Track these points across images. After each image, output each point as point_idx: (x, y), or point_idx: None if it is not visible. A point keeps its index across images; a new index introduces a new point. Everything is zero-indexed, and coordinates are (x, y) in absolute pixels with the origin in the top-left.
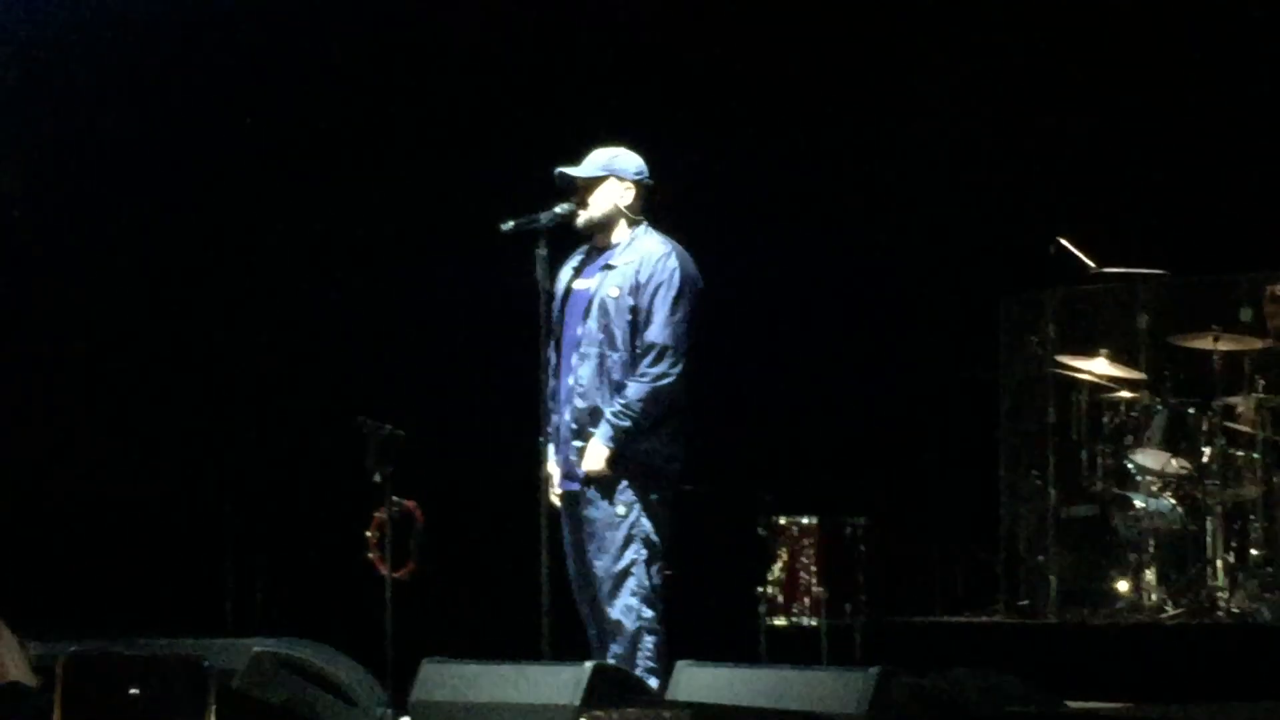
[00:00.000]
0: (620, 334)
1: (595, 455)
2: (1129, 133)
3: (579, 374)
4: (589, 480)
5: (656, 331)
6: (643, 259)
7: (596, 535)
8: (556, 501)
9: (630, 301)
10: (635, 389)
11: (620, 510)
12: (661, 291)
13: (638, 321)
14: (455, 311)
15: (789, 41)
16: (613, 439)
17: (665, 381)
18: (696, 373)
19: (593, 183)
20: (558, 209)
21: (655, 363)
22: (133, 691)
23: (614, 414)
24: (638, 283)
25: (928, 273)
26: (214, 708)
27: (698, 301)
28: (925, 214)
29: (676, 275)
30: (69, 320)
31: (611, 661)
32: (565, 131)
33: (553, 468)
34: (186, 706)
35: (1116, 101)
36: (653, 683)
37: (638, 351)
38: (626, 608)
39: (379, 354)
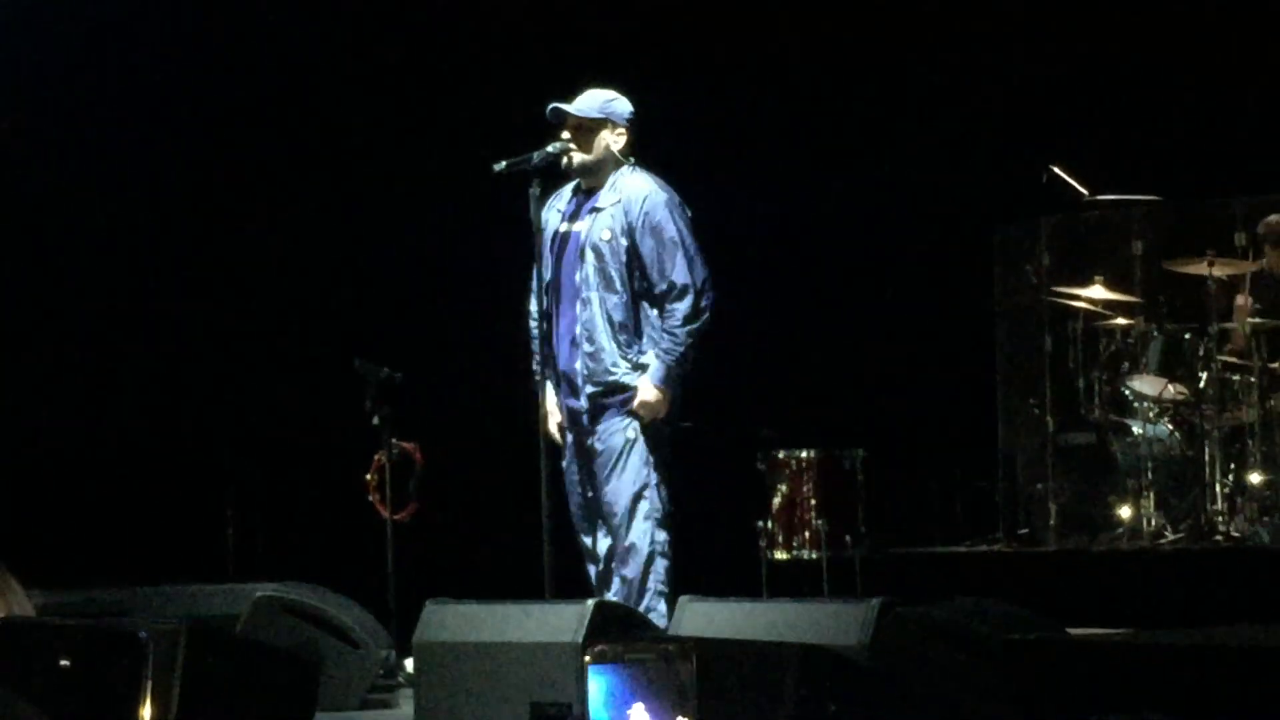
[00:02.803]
0: (618, 275)
1: (651, 396)
2: (1120, 58)
3: (582, 320)
4: (596, 401)
5: (679, 272)
6: (629, 198)
7: (610, 460)
8: (556, 436)
9: (624, 242)
10: (683, 332)
11: (631, 434)
12: (663, 231)
13: (633, 262)
14: (451, 252)
15: None
16: (665, 380)
17: (705, 317)
18: None
19: (587, 124)
20: (550, 148)
21: (693, 303)
22: (64, 663)
23: (671, 362)
24: (629, 224)
25: (921, 203)
26: (150, 682)
27: (693, 230)
28: (918, 144)
29: (672, 211)
30: (67, 264)
31: (613, 598)
32: (556, 70)
33: (550, 405)
34: (121, 680)
35: (1108, 26)
36: (662, 608)
37: (660, 295)
38: (642, 531)
39: (375, 296)
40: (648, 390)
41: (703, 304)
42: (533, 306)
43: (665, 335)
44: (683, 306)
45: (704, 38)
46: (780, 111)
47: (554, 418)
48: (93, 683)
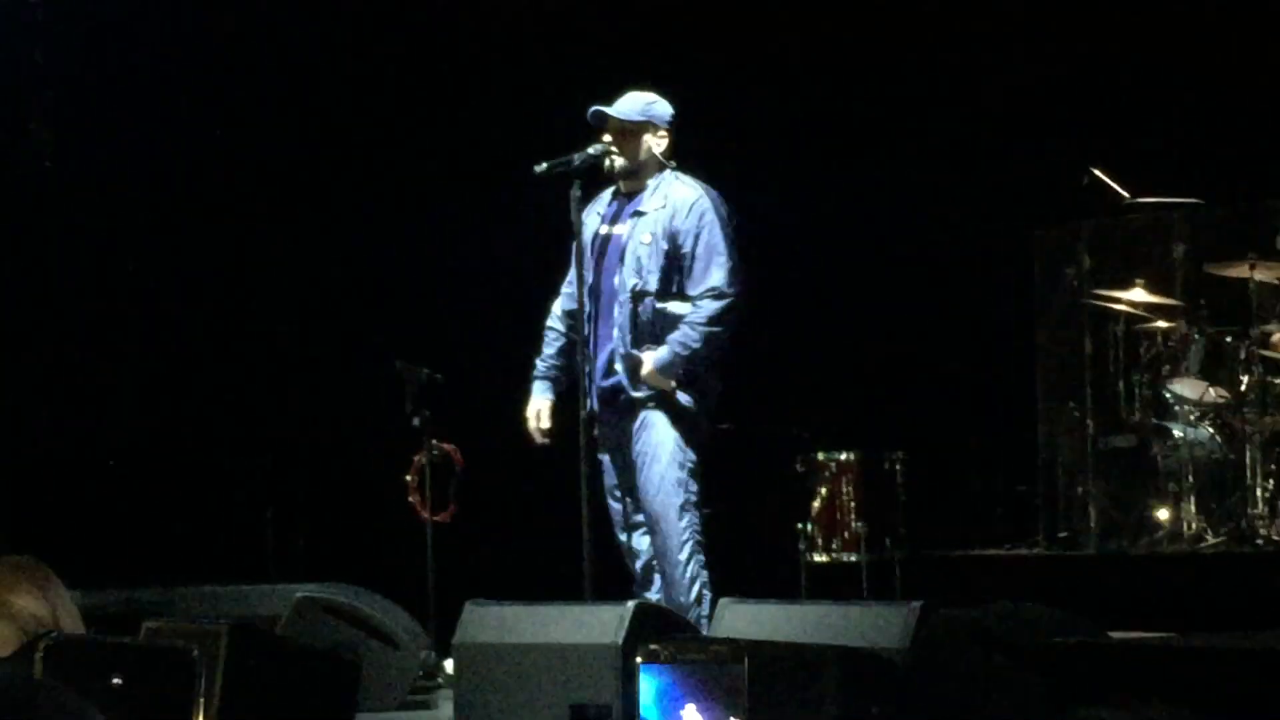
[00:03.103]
0: (654, 280)
1: (650, 372)
2: (1161, 61)
3: (618, 322)
4: (635, 397)
5: (719, 278)
6: (675, 205)
7: (647, 461)
8: (536, 436)
9: (665, 246)
10: (703, 331)
11: (667, 436)
12: (704, 238)
13: (672, 267)
14: (493, 254)
15: None
16: (666, 367)
17: (729, 324)
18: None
19: (629, 127)
20: (590, 150)
21: (723, 309)
22: (115, 681)
23: (680, 352)
24: (672, 229)
25: (962, 205)
26: (203, 701)
27: (736, 237)
28: (959, 147)
29: (718, 219)
30: (112, 264)
31: (654, 597)
32: (597, 74)
33: (541, 405)
34: (173, 700)
35: (1149, 29)
36: (704, 606)
37: (695, 296)
38: (680, 531)
39: (416, 297)
40: (646, 368)
41: (730, 314)
42: (557, 307)
43: (685, 327)
44: (711, 306)
45: (746, 40)
46: (823, 114)
47: (540, 418)
48: (145, 700)
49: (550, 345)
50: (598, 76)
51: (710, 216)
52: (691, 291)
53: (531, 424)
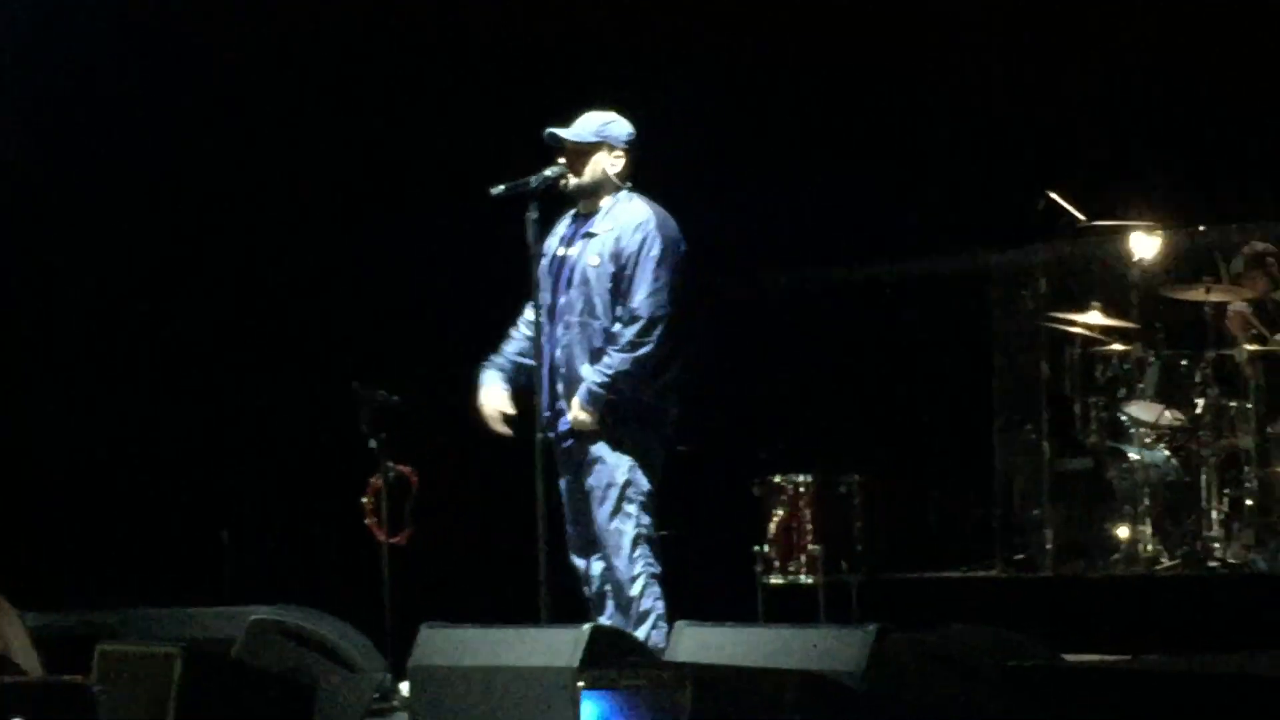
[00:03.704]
0: (601, 302)
1: (577, 416)
2: (1117, 85)
3: (562, 343)
4: (582, 431)
5: (639, 300)
6: (623, 226)
7: (598, 486)
8: (500, 429)
9: (611, 269)
10: (617, 358)
11: (617, 460)
12: (643, 259)
13: (619, 289)
14: (451, 276)
15: None
16: (591, 403)
17: (645, 349)
18: (689, 333)
19: (584, 147)
20: (547, 171)
21: (637, 333)
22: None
23: (596, 384)
24: (619, 249)
25: (919, 228)
26: None
27: (682, 265)
28: (915, 169)
29: (657, 242)
30: (61, 286)
31: (607, 622)
32: (555, 94)
33: (494, 394)
34: None
35: (1104, 53)
36: (659, 633)
37: (619, 318)
38: (633, 556)
39: (373, 319)
40: (574, 408)
41: (647, 338)
42: (528, 314)
43: (606, 354)
44: (628, 332)
45: (698, 59)
46: (782, 138)
47: (494, 400)
48: None
49: (510, 344)
50: (559, 97)
51: (652, 239)
52: (620, 314)
53: (486, 410)
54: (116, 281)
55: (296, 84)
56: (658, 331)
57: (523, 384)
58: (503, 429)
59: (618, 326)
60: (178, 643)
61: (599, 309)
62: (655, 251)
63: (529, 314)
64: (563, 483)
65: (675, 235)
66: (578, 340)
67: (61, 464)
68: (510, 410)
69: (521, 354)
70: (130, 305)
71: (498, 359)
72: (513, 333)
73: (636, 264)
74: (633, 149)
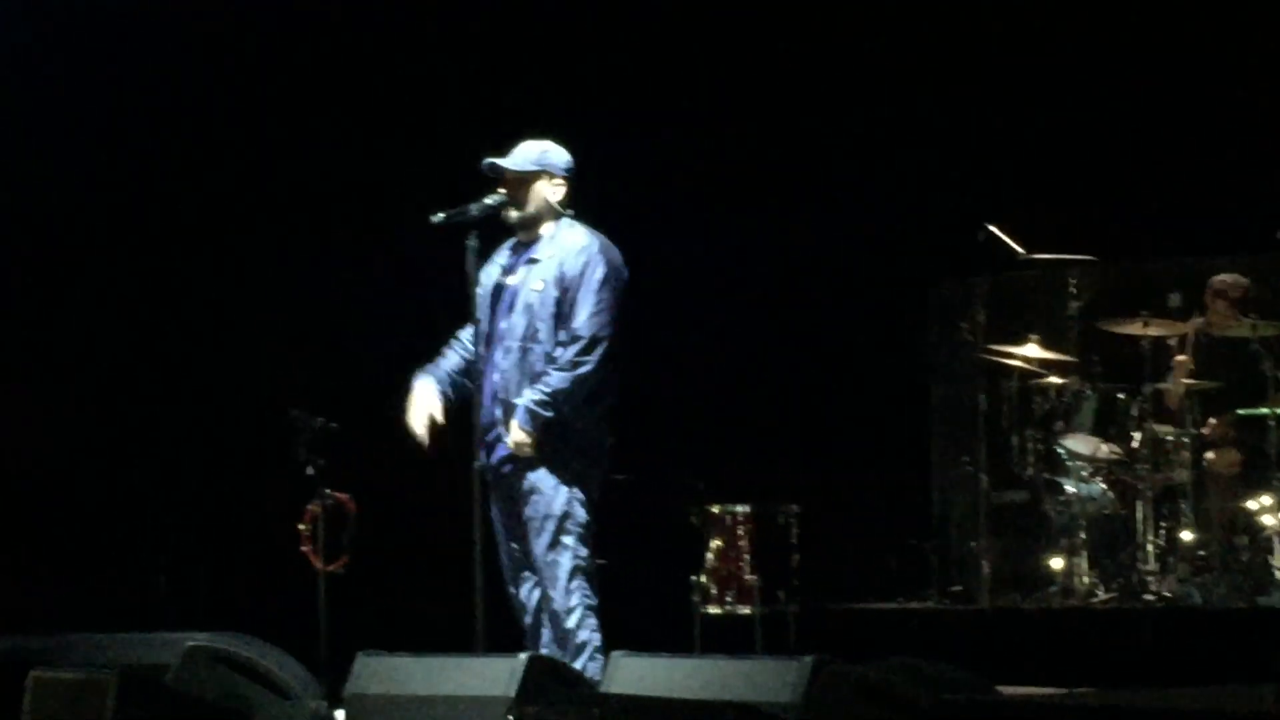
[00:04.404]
0: (544, 327)
1: (516, 438)
2: (1056, 118)
3: (502, 368)
4: (519, 459)
5: (579, 322)
6: (567, 251)
7: (534, 515)
8: (421, 432)
9: (555, 293)
10: (557, 377)
11: (554, 488)
12: (584, 283)
13: (561, 313)
14: (389, 303)
15: (717, 25)
16: (531, 423)
17: (584, 369)
18: (627, 360)
19: (523, 176)
20: (488, 200)
21: (577, 353)
22: None
23: (535, 402)
24: (561, 274)
25: (858, 259)
26: None
27: (623, 291)
28: (854, 201)
29: (600, 266)
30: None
31: (544, 651)
32: (495, 123)
33: (426, 397)
34: None
35: (1044, 87)
36: (595, 664)
37: (560, 341)
38: (569, 587)
39: (311, 346)
40: (512, 430)
41: (587, 358)
42: (465, 334)
43: (546, 374)
44: (569, 351)
45: (639, 90)
46: (715, 165)
47: (423, 402)
48: None
49: (445, 360)
50: (498, 125)
51: (595, 262)
52: (561, 336)
53: (415, 409)
54: (47, 309)
55: (237, 110)
56: (598, 352)
57: (453, 399)
58: (423, 433)
59: (558, 350)
60: (112, 669)
61: (542, 334)
62: (598, 275)
63: (466, 334)
64: (495, 510)
65: (618, 261)
66: (517, 365)
67: None
68: (439, 416)
69: (456, 370)
70: (63, 330)
71: (433, 368)
72: (447, 351)
73: (579, 287)
74: (572, 176)
